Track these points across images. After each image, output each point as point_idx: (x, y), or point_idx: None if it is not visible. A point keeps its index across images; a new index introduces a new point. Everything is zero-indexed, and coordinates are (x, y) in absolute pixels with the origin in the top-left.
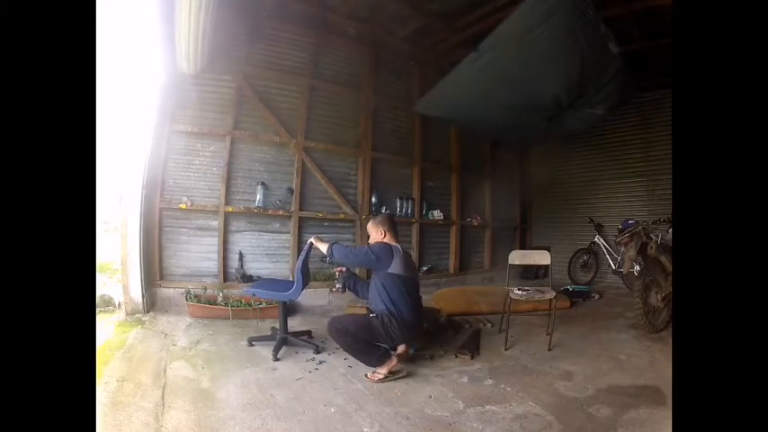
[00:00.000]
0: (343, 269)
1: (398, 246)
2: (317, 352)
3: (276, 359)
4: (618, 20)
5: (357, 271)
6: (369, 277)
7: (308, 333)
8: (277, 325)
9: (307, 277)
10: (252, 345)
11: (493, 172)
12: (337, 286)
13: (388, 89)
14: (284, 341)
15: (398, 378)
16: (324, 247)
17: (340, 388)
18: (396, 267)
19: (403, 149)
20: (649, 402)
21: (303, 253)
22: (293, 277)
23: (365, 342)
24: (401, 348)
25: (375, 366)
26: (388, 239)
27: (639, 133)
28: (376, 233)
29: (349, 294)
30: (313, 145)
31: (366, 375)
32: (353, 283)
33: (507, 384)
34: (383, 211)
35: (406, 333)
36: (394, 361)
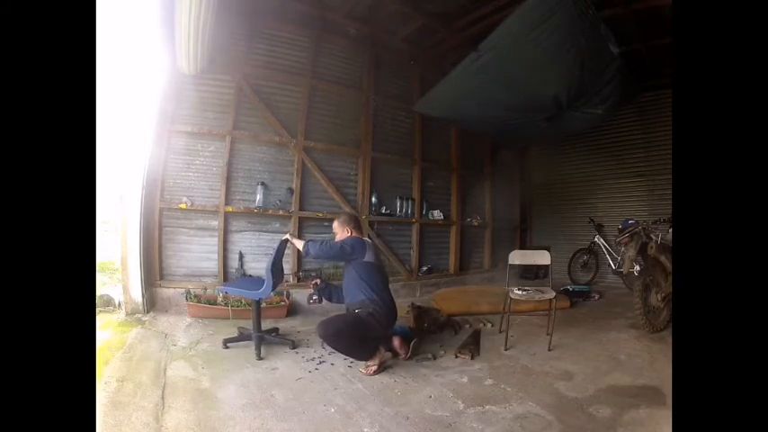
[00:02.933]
0: (319, 281)
1: (367, 239)
2: (294, 347)
3: (260, 358)
4: (618, 20)
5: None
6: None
7: (276, 330)
8: (280, 325)
9: (279, 276)
10: (227, 347)
11: (493, 172)
12: (314, 298)
13: (388, 89)
14: (261, 339)
15: (387, 368)
16: (300, 245)
17: (340, 388)
18: (370, 257)
19: (403, 149)
20: (649, 402)
21: (274, 251)
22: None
23: (359, 338)
24: (396, 342)
25: (367, 360)
26: (354, 235)
27: (639, 133)
28: (342, 232)
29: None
30: (313, 145)
31: (361, 370)
32: (329, 293)
33: (507, 384)
34: (383, 211)
35: (391, 317)
36: (383, 351)
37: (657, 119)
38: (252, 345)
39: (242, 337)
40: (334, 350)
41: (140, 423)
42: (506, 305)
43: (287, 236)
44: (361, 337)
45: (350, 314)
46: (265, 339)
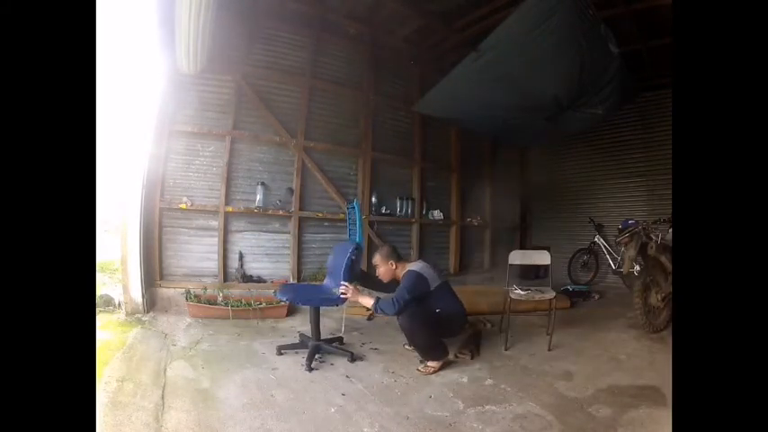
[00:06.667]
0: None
1: (419, 265)
2: (353, 360)
3: (310, 369)
4: (618, 20)
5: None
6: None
7: (340, 340)
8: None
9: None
10: (281, 353)
11: (493, 172)
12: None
13: (388, 89)
14: (317, 349)
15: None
16: (369, 303)
17: (340, 388)
18: (434, 281)
19: (403, 149)
20: (649, 402)
21: (347, 267)
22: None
23: (436, 336)
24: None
25: (437, 359)
26: (400, 267)
27: (639, 133)
28: (386, 265)
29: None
30: (313, 145)
31: (418, 369)
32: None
33: (507, 384)
34: (383, 211)
35: (463, 322)
36: (449, 356)
37: (657, 119)
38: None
39: (297, 344)
40: (411, 345)
41: (140, 423)
42: (506, 305)
43: (349, 293)
44: (437, 335)
45: (433, 312)
46: (322, 349)
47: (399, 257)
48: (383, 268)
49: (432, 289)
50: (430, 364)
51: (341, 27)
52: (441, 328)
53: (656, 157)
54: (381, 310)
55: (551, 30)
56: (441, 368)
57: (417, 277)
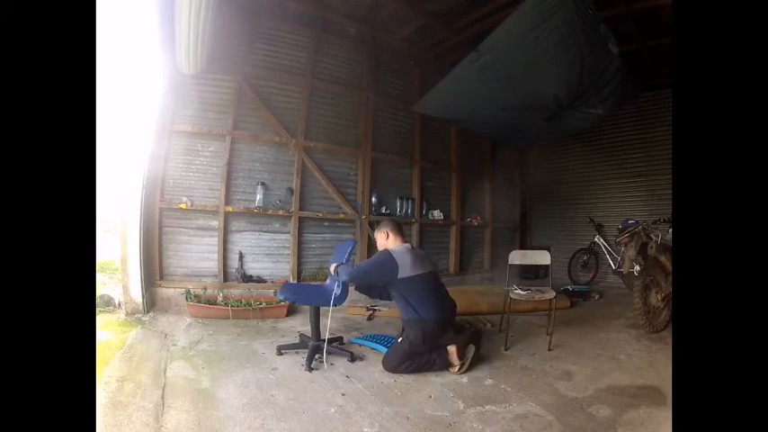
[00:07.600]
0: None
1: (402, 246)
2: (353, 360)
3: (310, 369)
4: (618, 20)
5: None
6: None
7: (340, 339)
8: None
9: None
10: (281, 353)
11: (493, 172)
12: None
13: (388, 89)
14: (317, 349)
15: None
16: (332, 268)
17: (340, 388)
18: (405, 270)
19: (403, 149)
20: (649, 402)
21: (347, 255)
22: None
23: (425, 356)
24: (452, 350)
25: (444, 368)
26: (391, 240)
27: (639, 133)
28: (381, 237)
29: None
30: (313, 145)
31: (450, 371)
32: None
33: (507, 384)
34: (383, 211)
35: (444, 330)
36: (452, 351)
37: (657, 119)
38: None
39: (297, 344)
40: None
41: (140, 423)
42: (506, 305)
43: (332, 269)
44: (424, 355)
45: (402, 344)
46: (322, 349)
47: (397, 231)
48: (379, 240)
49: (398, 277)
50: (454, 363)
51: (341, 27)
52: (416, 351)
53: (656, 157)
54: (338, 272)
55: (551, 30)
56: (463, 363)
57: (386, 257)
